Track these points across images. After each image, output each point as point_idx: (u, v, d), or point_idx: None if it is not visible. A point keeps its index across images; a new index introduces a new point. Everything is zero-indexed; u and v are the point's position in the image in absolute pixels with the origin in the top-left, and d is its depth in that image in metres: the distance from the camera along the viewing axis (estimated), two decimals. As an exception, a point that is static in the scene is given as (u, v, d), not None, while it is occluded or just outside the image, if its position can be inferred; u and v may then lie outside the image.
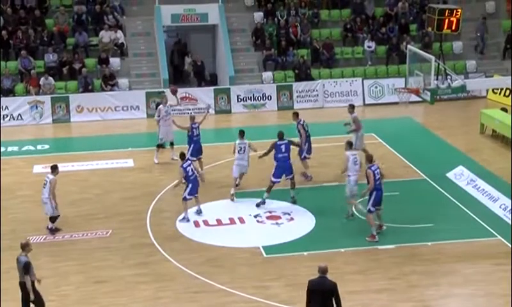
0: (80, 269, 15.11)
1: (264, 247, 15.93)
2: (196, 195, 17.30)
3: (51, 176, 16.63)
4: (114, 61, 28.00)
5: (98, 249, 16.00)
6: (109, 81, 26.78)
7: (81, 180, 17.04)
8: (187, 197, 17.20)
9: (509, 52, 29.38)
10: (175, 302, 13.84)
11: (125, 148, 22.35)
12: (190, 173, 17.10)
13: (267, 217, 17.39)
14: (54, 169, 16.85)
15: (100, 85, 26.96)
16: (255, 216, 17.43)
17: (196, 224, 17.17)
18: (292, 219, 17.34)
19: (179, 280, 14.62)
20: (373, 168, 16.10)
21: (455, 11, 22.66)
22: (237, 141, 18.47)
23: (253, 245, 16.01)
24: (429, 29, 23.54)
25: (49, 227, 16.65)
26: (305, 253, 15.57)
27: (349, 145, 17.35)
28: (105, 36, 28.26)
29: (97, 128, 24.50)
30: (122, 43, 28.47)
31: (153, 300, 13.90)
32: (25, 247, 12.55)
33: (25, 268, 12.30)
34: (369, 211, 16.23)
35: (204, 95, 26.92)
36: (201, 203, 17.65)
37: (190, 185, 17.11)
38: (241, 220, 17.32)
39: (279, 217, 17.34)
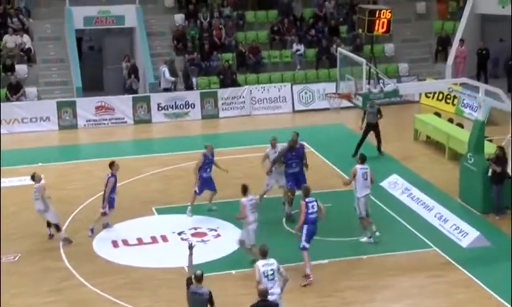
0: (-13, 298, 14.69)
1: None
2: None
3: (37, 185, 16.70)
4: (21, 68, 27.47)
5: (7, 274, 15.57)
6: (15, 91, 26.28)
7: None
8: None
9: (441, 54, 30.28)
10: (92, 330, 13.65)
11: (35, 163, 21.87)
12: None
13: (192, 234, 17.34)
14: (34, 177, 16.96)
15: (5, 95, 26.37)
16: (179, 233, 17.35)
17: (115, 244, 16.97)
18: (218, 235, 17.35)
19: (96, 306, 14.39)
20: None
21: (386, 11, 23.18)
22: None
23: (176, 266, 15.91)
24: (360, 30, 23.99)
25: (61, 239, 16.75)
26: (233, 272, 15.59)
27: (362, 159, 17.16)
28: (10, 40, 27.70)
29: (3, 142, 23.89)
30: (29, 49, 27.95)
31: (68, 329, 13.66)
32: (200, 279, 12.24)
33: (211, 299, 12.02)
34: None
35: (122, 104, 26.68)
36: (119, 222, 17.60)
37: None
38: (164, 238, 17.22)
39: (205, 234, 17.31)
